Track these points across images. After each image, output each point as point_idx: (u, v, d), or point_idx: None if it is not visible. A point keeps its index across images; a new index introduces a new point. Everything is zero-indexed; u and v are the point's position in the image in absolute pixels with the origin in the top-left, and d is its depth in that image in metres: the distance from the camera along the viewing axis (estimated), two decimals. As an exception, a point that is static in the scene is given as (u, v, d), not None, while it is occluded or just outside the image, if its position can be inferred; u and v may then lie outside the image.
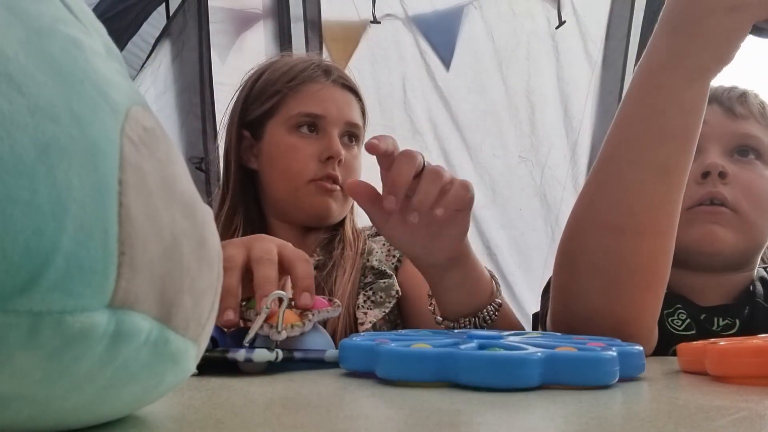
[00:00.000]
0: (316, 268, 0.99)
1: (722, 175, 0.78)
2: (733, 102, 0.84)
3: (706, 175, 0.78)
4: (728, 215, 0.78)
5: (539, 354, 0.38)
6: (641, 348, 0.45)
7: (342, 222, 1.05)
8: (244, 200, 1.03)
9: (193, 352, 0.27)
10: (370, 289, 0.98)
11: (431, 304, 0.77)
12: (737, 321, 0.79)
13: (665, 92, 0.60)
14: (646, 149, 0.60)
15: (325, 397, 0.37)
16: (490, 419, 0.30)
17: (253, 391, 0.39)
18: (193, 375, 0.46)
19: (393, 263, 1.01)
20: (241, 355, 0.47)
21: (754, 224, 0.79)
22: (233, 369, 0.48)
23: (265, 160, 1.01)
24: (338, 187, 1.00)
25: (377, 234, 1.06)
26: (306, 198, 0.99)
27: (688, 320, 0.78)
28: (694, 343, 0.50)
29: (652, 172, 0.60)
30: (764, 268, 0.86)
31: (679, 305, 0.80)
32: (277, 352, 0.48)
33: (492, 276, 0.77)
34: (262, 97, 1.02)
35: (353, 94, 1.06)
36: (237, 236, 0.97)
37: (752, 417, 0.31)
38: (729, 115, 0.83)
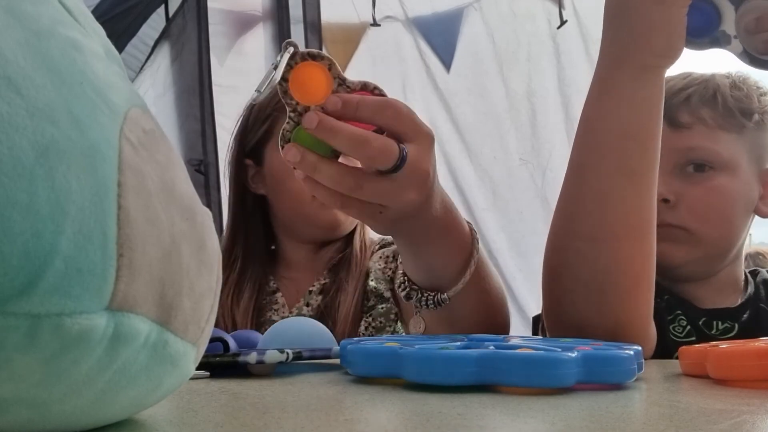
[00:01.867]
0: (320, 292, 0.99)
1: (665, 201, 0.77)
2: (675, 110, 0.79)
3: None
4: (676, 232, 0.77)
5: (474, 353, 0.39)
6: (633, 351, 0.44)
7: (352, 234, 1.04)
8: (246, 226, 1.02)
9: (193, 355, 0.27)
10: (370, 315, 0.97)
11: (403, 282, 0.67)
12: (736, 325, 0.79)
13: (616, 91, 0.59)
14: (608, 153, 0.60)
15: (325, 400, 0.37)
16: (491, 423, 0.29)
17: (252, 395, 0.39)
18: (205, 378, 0.47)
19: (389, 275, 1.00)
20: (252, 357, 0.47)
21: (707, 236, 0.78)
22: (243, 372, 0.49)
23: (269, 184, 1.00)
24: None
25: (383, 246, 1.06)
26: (313, 213, 0.97)
27: (689, 327, 0.78)
28: (696, 345, 0.50)
29: (618, 176, 0.59)
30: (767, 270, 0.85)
31: (679, 311, 0.79)
32: (287, 353, 0.48)
33: (471, 230, 0.65)
34: (257, 124, 1.01)
35: None
36: (236, 265, 0.98)
37: (754, 420, 0.30)
38: (672, 127, 0.78)
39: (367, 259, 1.02)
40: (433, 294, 0.63)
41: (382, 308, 0.97)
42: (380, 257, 1.02)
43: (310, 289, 1.00)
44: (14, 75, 0.21)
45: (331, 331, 0.61)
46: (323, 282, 1.00)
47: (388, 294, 0.98)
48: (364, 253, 1.02)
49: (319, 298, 0.99)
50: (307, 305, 0.99)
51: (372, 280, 0.99)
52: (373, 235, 1.07)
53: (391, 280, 0.99)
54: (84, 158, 0.21)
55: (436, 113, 2.33)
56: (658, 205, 0.72)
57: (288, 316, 0.97)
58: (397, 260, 1.00)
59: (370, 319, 0.97)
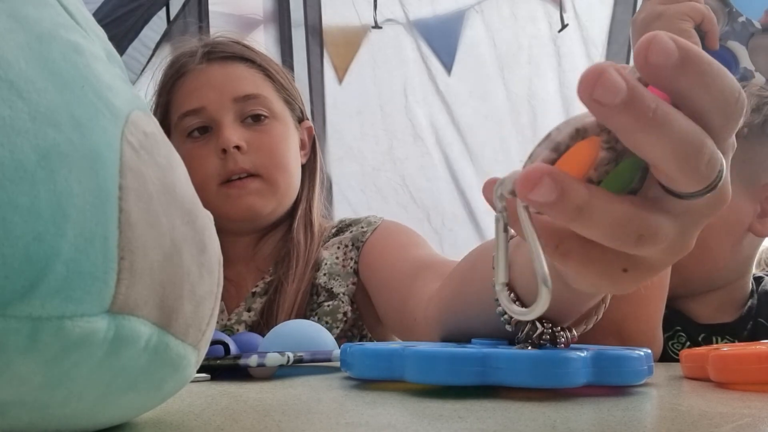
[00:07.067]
0: (265, 292, 0.88)
1: None
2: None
3: None
4: None
5: (479, 352, 0.38)
6: (643, 353, 0.44)
7: (292, 215, 0.92)
8: None
9: (193, 358, 0.27)
10: (315, 313, 0.85)
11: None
12: (736, 341, 0.79)
13: None
14: None
15: (326, 403, 0.37)
16: (492, 425, 0.29)
17: (253, 398, 0.39)
18: (206, 381, 0.47)
19: (351, 266, 0.87)
20: (253, 360, 0.47)
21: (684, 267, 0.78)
22: (244, 375, 0.49)
23: None
24: (254, 177, 0.86)
25: (339, 230, 0.92)
26: (224, 204, 0.85)
27: (688, 343, 0.78)
28: (697, 349, 0.50)
29: None
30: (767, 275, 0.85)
31: (678, 327, 0.79)
32: (288, 356, 0.48)
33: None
34: (156, 110, 0.90)
35: (244, 61, 0.89)
36: None
37: (755, 423, 0.30)
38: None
39: (317, 249, 0.89)
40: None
41: (329, 306, 0.85)
42: (338, 246, 0.89)
43: (253, 290, 0.88)
44: (16, 79, 0.21)
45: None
46: (268, 280, 0.89)
47: (340, 290, 0.86)
48: (309, 242, 0.89)
49: (264, 299, 0.87)
50: (249, 310, 0.87)
51: (324, 274, 0.87)
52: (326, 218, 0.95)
53: (354, 273, 0.87)
54: (85, 161, 0.21)
55: (438, 116, 2.33)
56: None
57: (227, 325, 0.85)
58: (358, 249, 0.87)
59: (315, 318, 0.85)
